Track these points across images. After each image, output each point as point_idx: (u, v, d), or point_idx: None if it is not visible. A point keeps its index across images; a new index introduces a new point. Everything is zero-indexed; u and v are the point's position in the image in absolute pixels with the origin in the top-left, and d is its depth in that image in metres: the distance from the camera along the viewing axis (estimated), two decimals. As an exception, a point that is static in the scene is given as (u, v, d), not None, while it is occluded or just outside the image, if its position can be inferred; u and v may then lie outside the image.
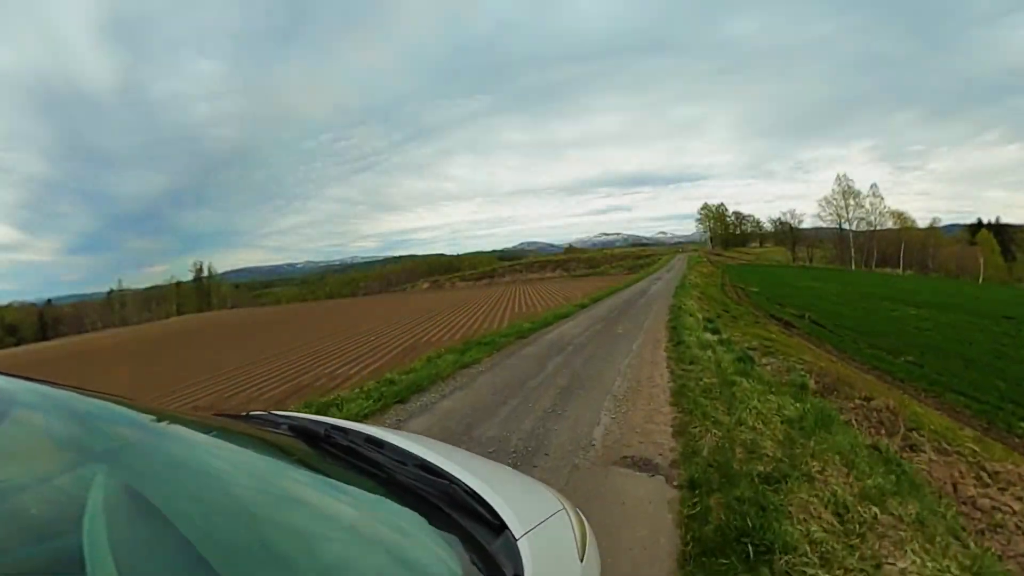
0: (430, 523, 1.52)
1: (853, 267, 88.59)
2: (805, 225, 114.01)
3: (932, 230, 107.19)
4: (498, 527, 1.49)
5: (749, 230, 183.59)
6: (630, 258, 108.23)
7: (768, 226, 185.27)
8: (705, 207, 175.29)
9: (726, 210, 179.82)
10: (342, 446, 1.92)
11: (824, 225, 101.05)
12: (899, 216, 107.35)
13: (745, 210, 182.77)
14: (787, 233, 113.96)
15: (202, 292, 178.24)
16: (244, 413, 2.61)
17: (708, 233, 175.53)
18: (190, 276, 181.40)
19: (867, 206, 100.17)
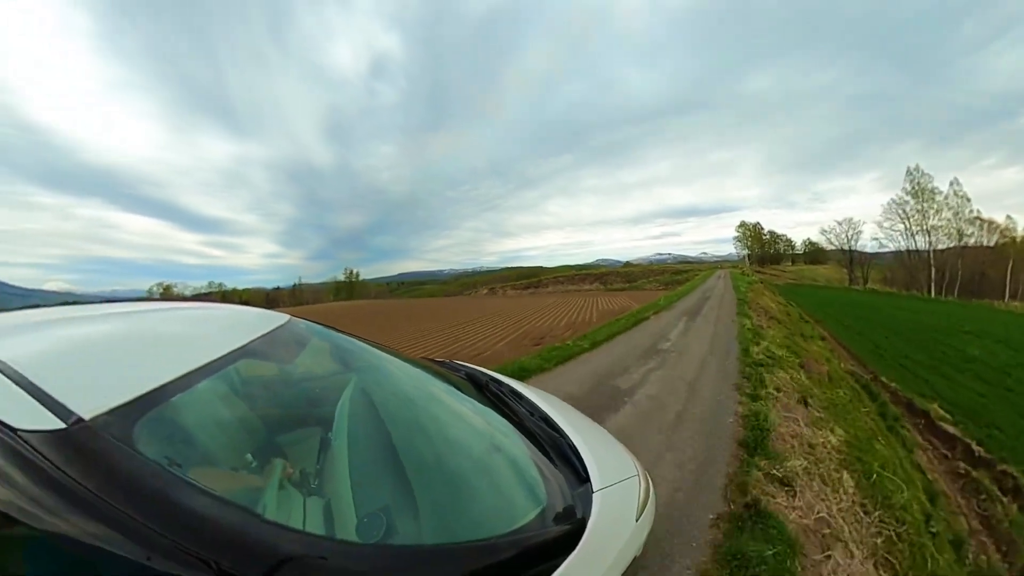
0: (537, 460, 1.74)
1: (932, 293, 49.12)
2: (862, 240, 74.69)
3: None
4: (583, 479, 1.67)
5: (782, 249, 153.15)
6: (668, 273, 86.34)
7: (799, 246, 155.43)
8: (742, 225, 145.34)
9: (762, 228, 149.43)
10: (495, 392, 2.33)
11: (883, 238, 58.30)
12: (994, 226, 54.64)
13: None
14: (843, 251, 75.70)
15: (349, 287, 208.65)
16: (435, 359, 3.19)
17: (746, 251, 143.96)
18: (342, 277, 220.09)
19: (946, 212, 52.91)
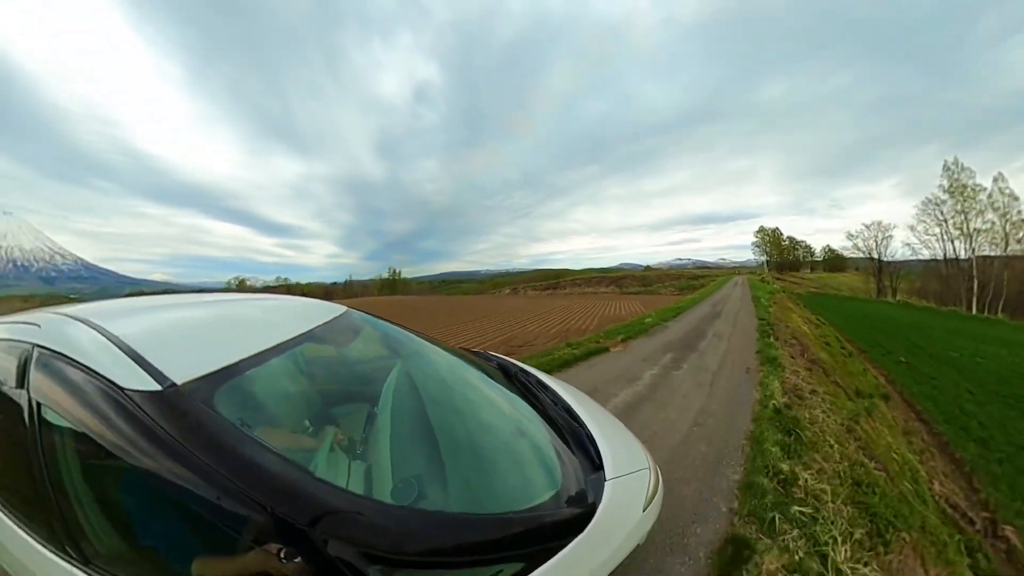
0: (556, 446, 1.71)
1: (972, 309, 36.62)
2: (893, 247, 59.30)
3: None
4: (598, 467, 1.64)
5: (802, 256, 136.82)
6: (684, 278, 76.28)
7: (819, 253, 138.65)
8: (761, 230, 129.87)
9: (781, 234, 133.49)
10: (523, 381, 2.32)
11: (916, 243, 44.85)
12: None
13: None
14: (871, 258, 60.07)
15: (392, 284, 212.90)
16: (472, 349, 3.08)
17: (764, 257, 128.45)
18: (386, 275, 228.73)
19: (991, 214, 38.83)
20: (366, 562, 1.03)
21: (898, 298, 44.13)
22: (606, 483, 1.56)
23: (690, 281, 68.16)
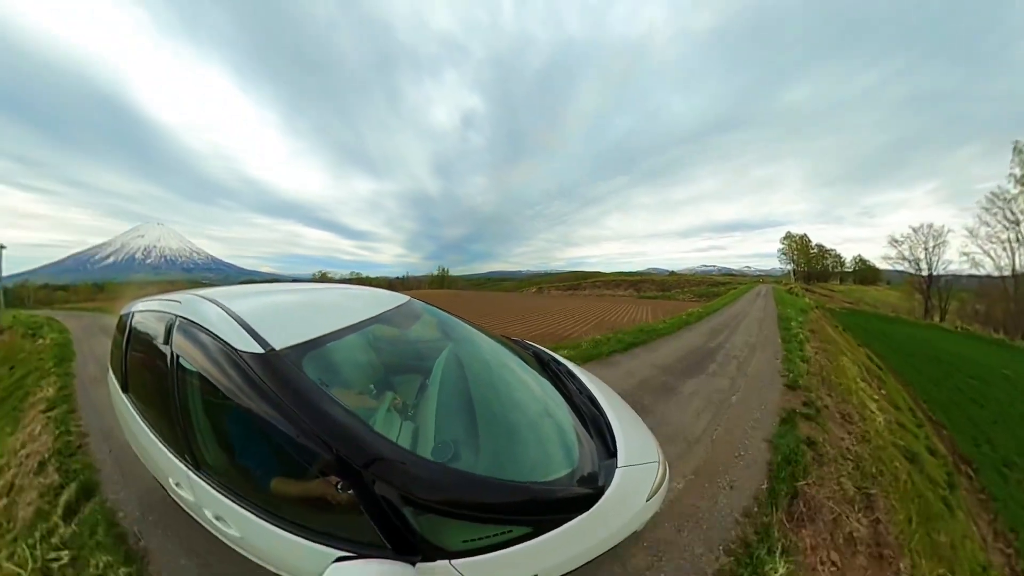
0: (577, 429, 1.69)
1: None
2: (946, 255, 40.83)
3: None
4: (611, 454, 1.61)
5: (830, 266, 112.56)
6: (704, 284, 64.58)
7: (849, 263, 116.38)
8: (788, 236, 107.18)
9: (809, 241, 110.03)
10: (554, 369, 2.31)
11: (977, 252, 32.19)
12: None
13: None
14: (916, 271, 42.14)
15: (440, 280, 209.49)
16: (512, 337, 3.02)
17: (791, 265, 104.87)
18: (436, 273, 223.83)
19: None
20: (403, 503, 1.17)
21: (957, 325, 28.20)
22: (617, 470, 1.54)
23: (709, 288, 58.12)
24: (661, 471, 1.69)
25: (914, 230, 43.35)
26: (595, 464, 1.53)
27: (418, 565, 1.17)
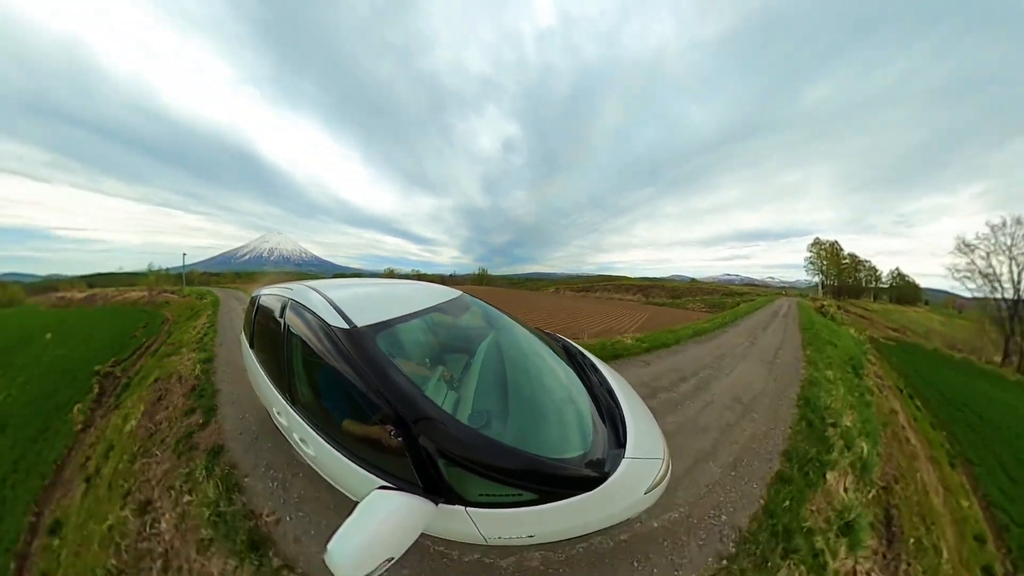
0: (594, 417, 1.65)
1: None
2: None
3: None
4: (621, 444, 1.54)
5: (864, 280, 76.88)
6: (718, 294, 47.87)
7: (886, 277, 79.42)
8: (816, 243, 73.63)
9: (841, 249, 76.06)
10: (579, 362, 2.24)
11: None
12: None
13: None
14: (994, 293, 20.85)
15: (479, 278, 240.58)
16: (544, 330, 2.99)
17: (819, 276, 73.77)
18: (476, 271, 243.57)
19: None
20: (438, 455, 1.25)
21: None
22: (623, 460, 1.48)
23: (724, 297, 44.38)
24: (664, 468, 1.61)
25: (993, 228, 23.76)
26: (604, 451, 1.50)
27: (440, 505, 1.28)
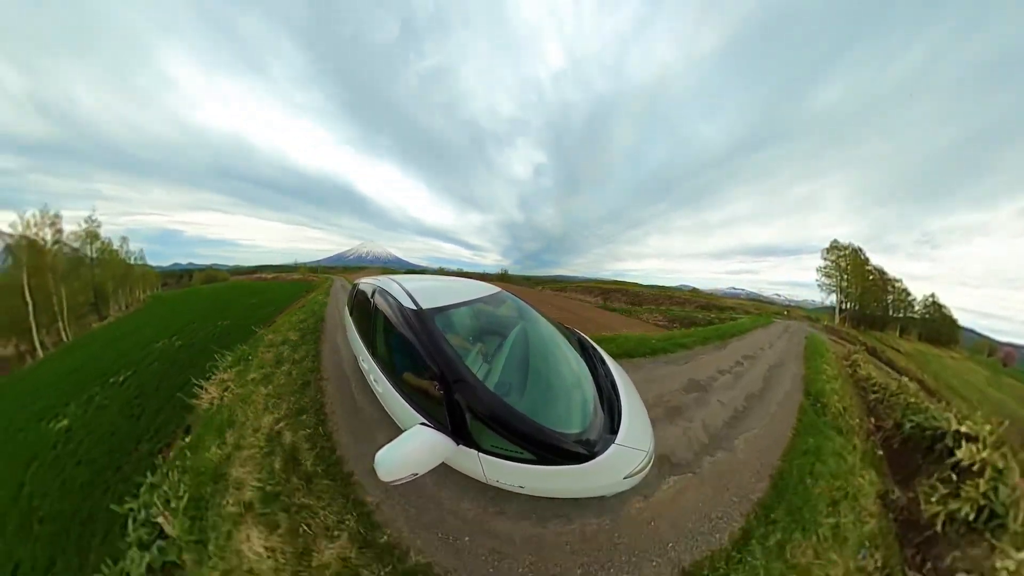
0: (595, 404, 1.83)
1: None
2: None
3: None
4: (613, 432, 1.68)
5: (892, 306, 30.19)
6: (692, 305, 17.47)
7: (919, 305, 31.10)
8: (835, 248, 28.26)
9: (866, 259, 28.22)
10: (590, 354, 2.45)
11: None
12: None
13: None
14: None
15: (501, 277, 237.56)
16: (564, 324, 3.19)
17: (837, 293, 28.53)
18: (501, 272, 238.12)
19: None
20: (466, 409, 1.49)
21: None
22: (612, 446, 1.57)
23: (699, 310, 15.49)
24: (646, 460, 1.65)
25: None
26: (598, 434, 1.59)
27: (459, 446, 1.51)
